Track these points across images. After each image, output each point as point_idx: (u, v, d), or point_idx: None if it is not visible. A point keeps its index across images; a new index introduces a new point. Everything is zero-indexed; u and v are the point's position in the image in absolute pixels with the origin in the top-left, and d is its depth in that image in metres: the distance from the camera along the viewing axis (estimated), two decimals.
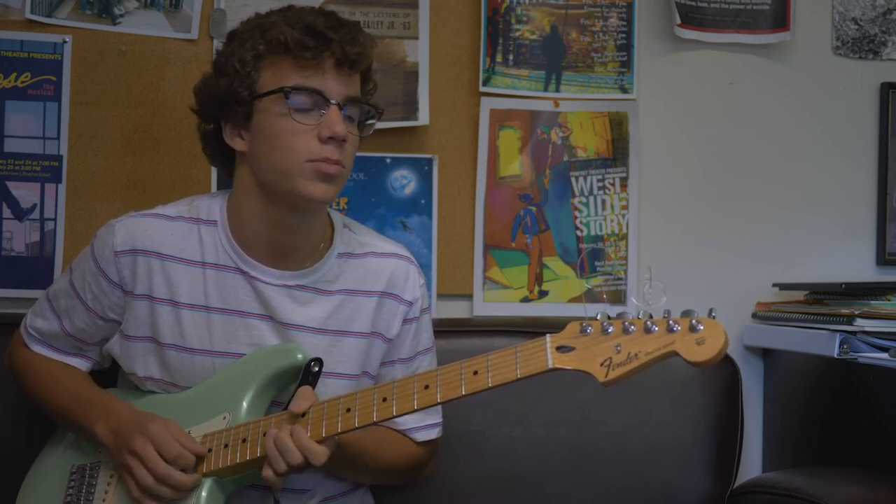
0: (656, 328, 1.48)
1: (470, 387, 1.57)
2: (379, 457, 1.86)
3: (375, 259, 1.89)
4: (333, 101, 1.70)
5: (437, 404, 1.61)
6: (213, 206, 1.83)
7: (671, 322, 1.48)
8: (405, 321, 1.89)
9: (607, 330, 1.51)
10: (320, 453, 1.62)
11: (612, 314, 1.54)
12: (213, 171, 2.34)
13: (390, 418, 1.63)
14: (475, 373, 1.57)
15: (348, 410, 1.63)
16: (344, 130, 1.70)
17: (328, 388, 1.76)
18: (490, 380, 1.56)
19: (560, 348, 1.53)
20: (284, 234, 1.77)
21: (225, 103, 1.74)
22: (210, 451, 1.71)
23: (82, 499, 1.79)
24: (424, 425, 1.93)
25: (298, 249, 1.80)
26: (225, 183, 2.29)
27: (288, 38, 1.68)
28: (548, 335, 1.55)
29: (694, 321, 1.46)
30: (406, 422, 1.91)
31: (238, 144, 1.77)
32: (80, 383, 1.87)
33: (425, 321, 1.94)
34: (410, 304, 1.90)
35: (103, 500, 1.77)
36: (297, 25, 1.69)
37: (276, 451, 1.63)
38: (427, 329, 1.95)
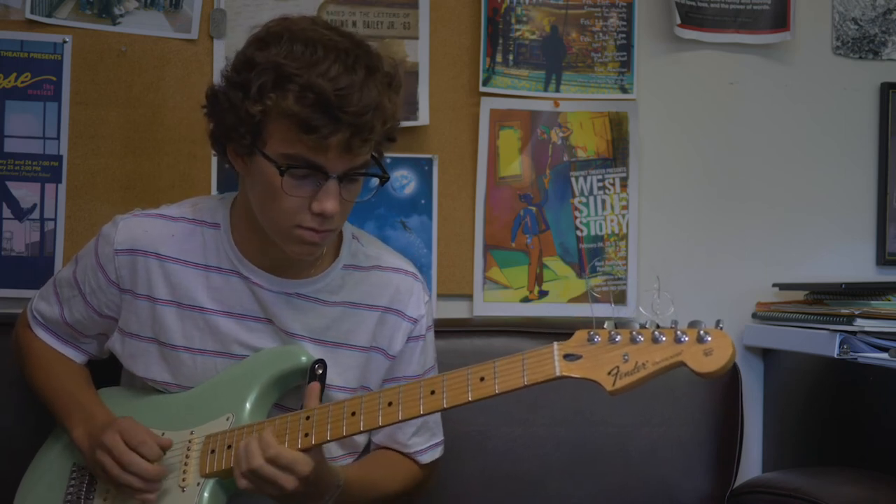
0: (664, 338, 1.48)
1: (476, 393, 1.56)
2: (385, 488, 1.85)
3: (380, 273, 1.87)
4: (332, 176, 1.63)
5: (444, 409, 1.60)
6: (217, 209, 1.83)
7: (679, 332, 1.48)
8: (410, 339, 1.87)
9: (615, 339, 1.51)
10: (300, 462, 1.62)
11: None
12: (213, 172, 2.33)
13: (395, 422, 1.62)
14: (482, 379, 1.57)
15: (353, 414, 1.63)
16: (334, 208, 1.63)
17: (326, 397, 1.75)
18: (497, 386, 1.55)
19: (567, 356, 1.53)
20: (280, 254, 1.75)
21: (229, 136, 1.68)
22: (213, 451, 1.70)
23: (83, 498, 1.79)
24: (430, 445, 1.93)
25: (296, 264, 1.79)
26: (225, 184, 2.30)
27: (295, 114, 1.58)
28: (555, 343, 1.54)
29: (702, 332, 1.46)
30: (416, 443, 1.90)
31: (239, 166, 1.72)
32: (71, 381, 1.88)
33: (430, 338, 1.93)
34: (415, 320, 1.87)
35: (104, 500, 1.77)
36: (307, 95, 1.57)
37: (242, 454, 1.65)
38: (432, 345, 1.94)
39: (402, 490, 1.89)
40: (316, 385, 1.71)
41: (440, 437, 1.95)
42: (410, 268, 1.91)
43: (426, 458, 1.92)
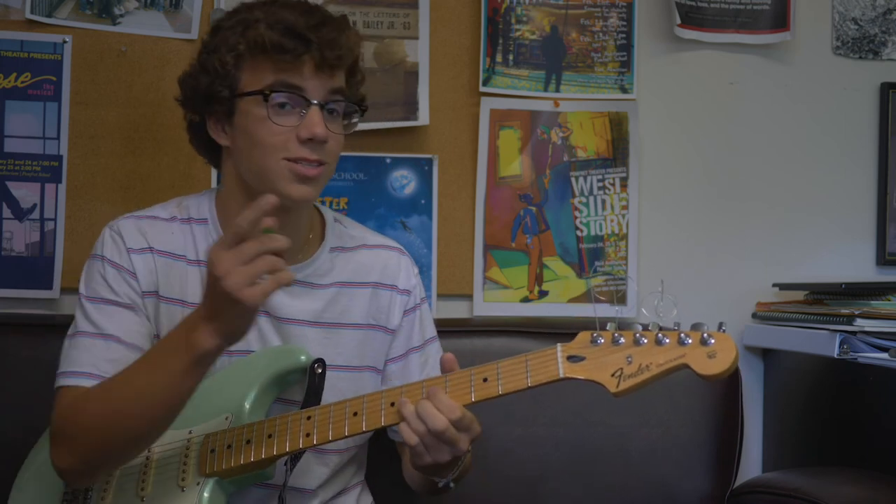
0: (667, 340, 1.49)
1: (480, 394, 1.57)
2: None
3: (367, 251, 1.90)
4: (314, 102, 1.69)
5: None
6: (201, 204, 1.84)
7: (682, 335, 1.48)
8: (406, 311, 1.90)
9: (618, 341, 1.51)
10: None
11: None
12: (213, 171, 2.33)
13: (398, 423, 1.62)
14: (485, 379, 1.57)
15: (355, 414, 1.63)
16: (324, 131, 1.68)
17: (328, 381, 1.76)
18: (500, 387, 1.56)
19: (571, 358, 1.54)
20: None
21: (207, 100, 1.74)
22: (213, 451, 1.70)
23: (80, 494, 1.78)
24: None
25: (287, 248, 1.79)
26: None
27: (266, 40, 1.67)
28: (558, 344, 1.55)
29: (705, 334, 1.47)
30: None
31: (222, 139, 1.77)
32: (131, 365, 1.63)
33: (426, 309, 1.95)
34: (408, 292, 1.90)
35: (102, 499, 1.76)
36: (276, 26, 1.67)
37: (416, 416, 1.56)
38: (429, 317, 1.96)
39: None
40: (451, 357, 1.64)
41: None
42: (395, 244, 1.95)
43: None
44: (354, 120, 1.79)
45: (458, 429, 1.56)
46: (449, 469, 1.67)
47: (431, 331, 1.96)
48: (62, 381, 1.69)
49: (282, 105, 1.69)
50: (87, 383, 1.67)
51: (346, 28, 1.75)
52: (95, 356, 1.69)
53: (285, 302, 1.80)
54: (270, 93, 1.68)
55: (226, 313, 1.48)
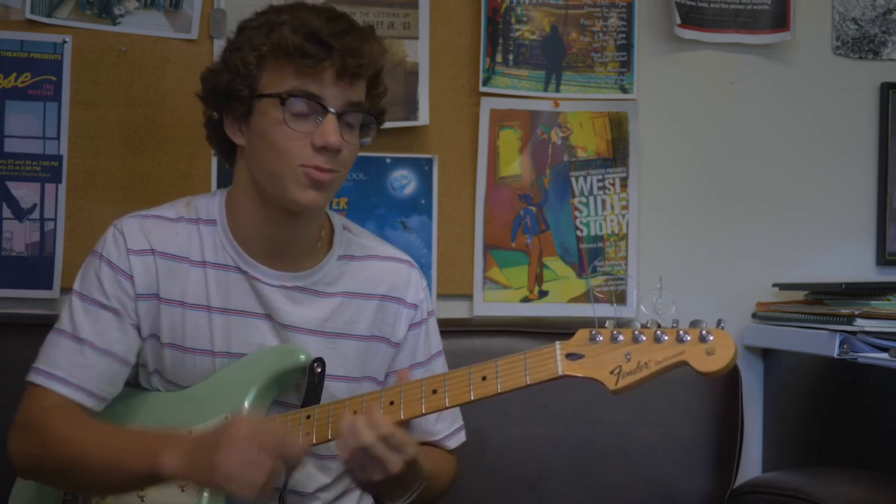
0: (666, 337, 1.49)
1: (479, 392, 1.57)
2: (443, 479, 1.85)
3: (376, 262, 1.88)
4: (332, 110, 1.68)
5: (445, 409, 1.61)
6: (211, 205, 1.83)
7: (681, 332, 1.48)
8: (412, 325, 1.88)
9: (617, 338, 1.51)
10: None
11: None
12: (213, 171, 2.33)
13: (397, 422, 1.62)
14: (484, 378, 1.57)
15: (354, 413, 1.63)
16: (338, 140, 1.68)
17: (326, 389, 1.76)
18: (499, 385, 1.56)
19: (569, 355, 1.53)
20: (280, 230, 1.77)
21: (226, 98, 1.74)
22: None
23: (80, 495, 1.78)
24: (454, 430, 1.92)
25: (295, 247, 1.79)
26: (225, 184, 2.29)
27: (289, 43, 1.67)
28: (557, 342, 1.55)
29: (704, 332, 1.47)
30: (441, 430, 1.89)
31: (238, 138, 1.76)
32: (116, 427, 1.71)
33: (433, 324, 1.93)
34: (415, 306, 1.88)
35: (102, 498, 1.76)
36: (301, 30, 1.67)
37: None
38: (435, 332, 1.94)
39: (451, 480, 1.89)
40: (405, 372, 1.68)
41: (461, 422, 1.94)
42: (405, 256, 1.93)
43: (453, 443, 1.92)
44: (371, 130, 1.78)
45: (387, 447, 1.56)
46: (396, 495, 1.66)
47: (437, 346, 1.94)
48: (34, 378, 1.73)
49: (298, 114, 1.68)
50: (58, 388, 1.71)
51: (371, 38, 1.74)
52: (70, 361, 1.72)
53: (288, 308, 1.79)
54: (288, 97, 1.67)
55: (209, 485, 1.58)
